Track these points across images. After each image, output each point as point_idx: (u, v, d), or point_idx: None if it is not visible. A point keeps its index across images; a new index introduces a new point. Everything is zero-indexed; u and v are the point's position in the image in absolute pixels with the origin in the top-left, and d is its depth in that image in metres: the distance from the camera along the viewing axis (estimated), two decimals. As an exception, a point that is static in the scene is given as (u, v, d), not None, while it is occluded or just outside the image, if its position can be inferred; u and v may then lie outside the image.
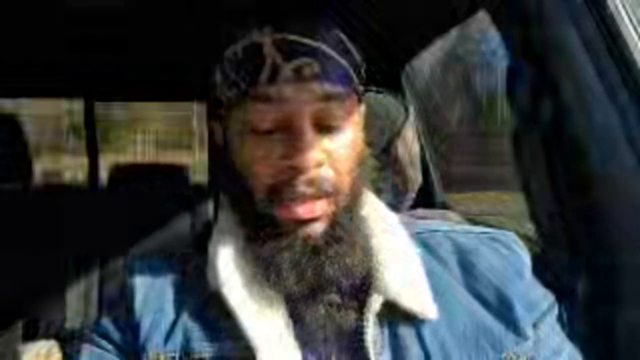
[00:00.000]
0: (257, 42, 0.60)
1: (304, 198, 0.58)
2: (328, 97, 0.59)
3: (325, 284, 0.59)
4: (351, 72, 0.62)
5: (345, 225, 0.61)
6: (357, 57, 0.64)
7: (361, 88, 0.65)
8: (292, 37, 0.59)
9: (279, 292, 0.60)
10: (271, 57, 0.59)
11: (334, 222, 0.60)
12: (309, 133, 0.58)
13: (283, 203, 0.59)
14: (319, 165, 0.58)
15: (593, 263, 0.79)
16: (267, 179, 0.59)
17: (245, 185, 0.61)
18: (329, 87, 0.59)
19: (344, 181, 0.61)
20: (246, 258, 0.62)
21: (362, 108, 0.67)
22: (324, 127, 0.60)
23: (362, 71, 0.65)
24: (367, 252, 0.62)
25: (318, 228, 0.59)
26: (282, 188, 0.59)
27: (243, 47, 0.61)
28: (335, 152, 0.60)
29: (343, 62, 0.61)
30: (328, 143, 0.60)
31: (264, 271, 0.60)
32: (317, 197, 0.59)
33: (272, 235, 0.59)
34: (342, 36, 0.63)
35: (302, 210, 0.58)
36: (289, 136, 0.58)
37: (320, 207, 0.59)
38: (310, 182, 0.58)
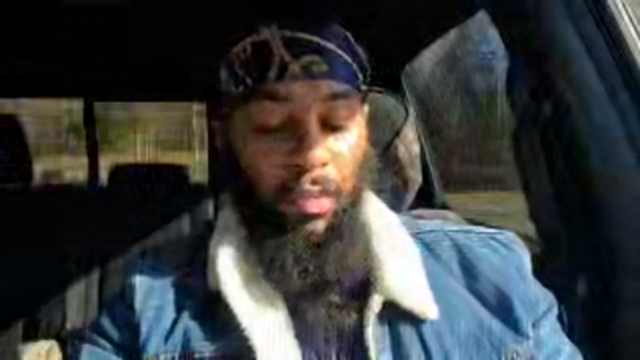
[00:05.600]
0: (265, 39, 0.60)
1: (309, 196, 0.58)
2: (335, 96, 0.59)
3: (327, 281, 0.59)
4: (357, 71, 0.63)
5: (347, 224, 0.61)
6: (363, 57, 0.64)
7: (365, 88, 0.65)
8: (301, 35, 0.59)
9: (281, 289, 0.60)
10: (279, 54, 0.59)
11: (336, 221, 0.60)
12: (316, 131, 0.58)
13: (288, 201, 0.59)
14: (324, 164, 0.58)
15: (593, 263, 0.79)
16: (272, 177, 0.59)
17: (250, 183, 0.61)
18: (336, 86, 0.60)
19: (347, 180, 0.61)
20: (247, 257, 0.62)
21: (366, 108, 0.67)
22: (330, 126, 0.60)
23: (367, 71, 0.65)
24: (368, 251, 0.62)
25: (320, 225, 0.59)
26: (288, 186, 0.59)
27: (251, 43, 0.61)
28: (340, 152, 0.60)
29: (350, 61, 0.61)
30: (333, 142, 0.60)
31: (266, 269, 0.60)
32: (321, 195, 0.59)
33: (276, 232, 0.59)
34: (349, 35, 0.63)
35: (307, 207, 0.58)
36: (295, 134, 0.58)
37: (326, 203, 0.59)
38: (315, 181, 0.58)
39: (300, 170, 0.58)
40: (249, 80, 0.60)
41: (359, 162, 0.62)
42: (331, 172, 0.59)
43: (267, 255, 0.60)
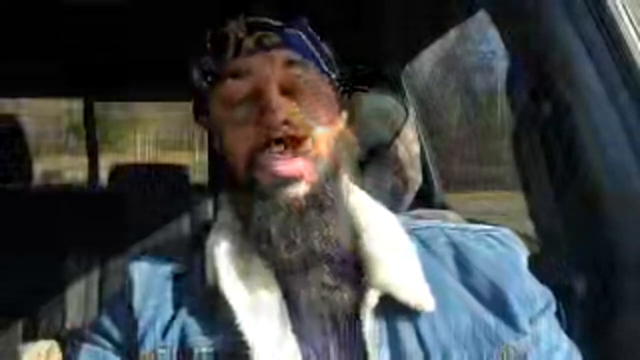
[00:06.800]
0: (224, 28, 0.64)
1: (280, 158, 0.60)
2: (291, 62, 0.63)
3: (315, 254, 0.60)
4: (319, 56, 0.66)
5: (328, 192, 0.62)
6: (327, 51, 0.68)
7: (336, 75, 0.68)
8: (257, 19, 0.64)
9: (270, 264, 0.62)
10: (234, 32, 0.63)
11: (317, 187, 0.61)
12: (276, 97, 0.61)
13: (262, 166, 0.61)
14: (288, 125, 0.61)
15: (593, 263, 0.79)
16: (244, 147, 0.62)
17: (231, 162, 0.63)
18: (292, 55, 0.64)
19: (322, 148, 0.63)
20: (242, 252, 0.63)
21: (346, 98, 0.70)
22: (294, 96, 0.63)
23: (333, 63, 0.68)
24: (349, 228, 0.64)
25: (301, 189, 0.61)
26: (259, 151, 0.61)
27: (211, 35, 0.65)
28: (306, 118, 0.62)
29: (308, 43, 0.65)
30: (298, 109, 0.62)
31: (254, 244, 0.62)
32: (292, 156, 0.61)
33: (258, 203, 0.61)
34: (311, 30, 0.67)
35: (282, 168, 0.60)
36: (258, 102, 0.61)
37: (300, 165, 0.61)
38: (283, 141, 0.61)
39: (267, 134, 0.60)
40: (212, 66, 0.64)
41: (335, 136, 0.65)
42: (297, 132, 0.61)
43: (253, 231, 0.61)
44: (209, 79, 0.65)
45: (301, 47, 0.65)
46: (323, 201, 0.61)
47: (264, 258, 0.62)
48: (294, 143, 0.61)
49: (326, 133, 0.64)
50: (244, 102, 0.63)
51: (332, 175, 0.63)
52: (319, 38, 0.67)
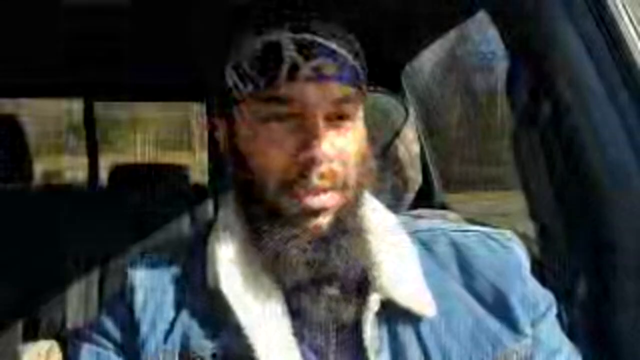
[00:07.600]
0: (277, 41, 0.60)
1: (316, 191, 0.59)
2: (342, 97, 0.61)
3: (329, 275, 0.60)
4: (360, 72, 0.64)
5: (350, 218, 0.62)
6: (363, 58, 0.65)
7: (365, 88, 0.66)
8: (312, 38, 0.60)
9: (283, 283, 0.61)
10: (291, 56, 0.59)
11: (341, 215, 0.61)
12: (323, 129, 0.59)
13: (295, 195, 0.60)
14: (331, 160, 0.59)
15: (593, 263, 0.79)
16: (280, 173, 0.60)
17: (257, 178, 0.62)
18: (344, 88, 0.61)
19: (351, 176, 0.62)
20: (246, 255, 0.63)
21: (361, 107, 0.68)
22: (335, 124, 0.61)
23: (366, 71, 0.65)
24: (367, 248, 0.63)
25: (325, 220, 0.60)
26: (296, 180, 0.59)
27: (262, 45, 0.61)
28: (344, 148, 0.61)
29: (355, 63, 0.63)
30: (338, 139, 0.61)
31: (270, 264, 0.61)
32: (328, 190, 0.60)
33: (280, 226, 0.60)
34: (353, 38, 0.64)
35: (315, 201, 0.59)
36: (303, 131, 0.59)
37: (331, 199, 0.60)
38: (323, 176, 0.59)
39: (309, 165, 0.59)
40: (258, 81, 0.60)
41: (361, 160, 0.63)
42: (337, 167, 0.60)
43: (271, 250, 0.60)
44: (251, 88, 0.61)
45: (353, 79, 0.62)
46: (345, 227, 0.61)
47: (278, 278, 0.61)
48: (332, 177, 0.60)
49: (358, 159, 0.63)
50: (283, 123, 0.60)
51: (356, 202, 0.63)
52: (358, 47, 0.64)
